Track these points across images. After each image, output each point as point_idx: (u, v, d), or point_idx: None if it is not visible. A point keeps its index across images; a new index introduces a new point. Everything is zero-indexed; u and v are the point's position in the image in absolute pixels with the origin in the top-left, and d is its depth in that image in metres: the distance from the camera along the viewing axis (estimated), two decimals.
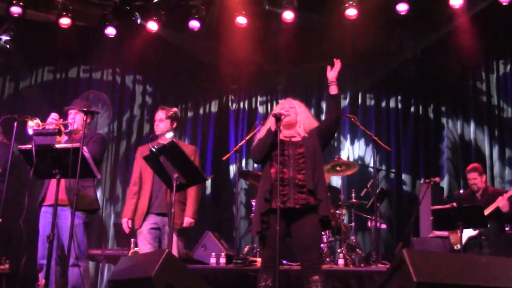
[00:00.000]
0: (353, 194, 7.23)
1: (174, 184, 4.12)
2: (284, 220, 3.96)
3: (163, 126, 4.94)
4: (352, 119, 6.53)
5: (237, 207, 6.34)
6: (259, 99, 9.84)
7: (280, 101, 9.58)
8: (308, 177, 3.94)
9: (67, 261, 4.15)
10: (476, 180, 6.55)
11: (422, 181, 8.36)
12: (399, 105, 9.07)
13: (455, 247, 6.35)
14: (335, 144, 9.07)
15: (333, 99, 4.30)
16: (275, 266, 3.86)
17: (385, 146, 6.53)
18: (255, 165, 9.33)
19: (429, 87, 8.95)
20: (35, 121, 4.58)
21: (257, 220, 4.02)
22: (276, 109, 4.30)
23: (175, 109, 4.75)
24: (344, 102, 9.34)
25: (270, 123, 4.15)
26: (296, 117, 4.22)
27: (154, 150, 4.11)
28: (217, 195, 9.48)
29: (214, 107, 9.94)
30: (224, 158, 6.90)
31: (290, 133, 4.19)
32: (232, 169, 9.42)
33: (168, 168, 4.12)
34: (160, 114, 4.99)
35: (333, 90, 4.29)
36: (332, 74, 4.39)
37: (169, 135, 4.45)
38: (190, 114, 9.92)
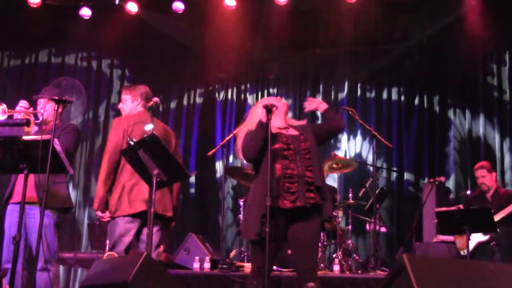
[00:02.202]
0: (350, 194, 7.25)
1: (154, 181, 4.10)
2: (285, 221, 4.00)
3: (128, 108, 4.88)
4: (350, 112, 6.51)
5: (223, 207, 6.34)
6: (248, 89, 9.85)
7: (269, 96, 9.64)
8: (316, 173, 4.01)
9: (35, 265, 4.11)
10: (484, 178, 6.57)
11: (426, 180, 8.38)
12: (402, 97, 9.10)
13: (462, 253, 6.37)
14: (331, 140, 9.09)
15: (330, 110, 4.34)
16: (268, 271, 3.87)
17: (386, 142, 6.54)
18: (244, 161, 9.33)
19: (435, 77, 8.99)
20: (1, 107, 4.53)
21: (256, 221, 3.97)
22: (264, 101, 4.30)
23: (156, 99, 4.71)
24: (342, 94, 9.37)
25: (256, 117, 4.16)
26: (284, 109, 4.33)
27: (132, 143, 4.09)
28: (201, 193, 9.48)
29: (199, 98, 9.93)
30: (210, 153, 6.88)
31: (284, 125, 4.23)
32: (219, 165, 9.43)
33: (148, 163, 4.10)
34: (123, 96, 4.93)
35: (322, 106, 4.34)
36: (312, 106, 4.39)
37: (149, 127, 4.42)
38: (172, 104, 9.91)
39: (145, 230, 4.54)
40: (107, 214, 4.57)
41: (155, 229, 4.46)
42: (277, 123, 4.21)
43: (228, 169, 7.31)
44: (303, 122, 4.37)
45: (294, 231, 4.00)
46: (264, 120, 4.10)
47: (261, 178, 4.08)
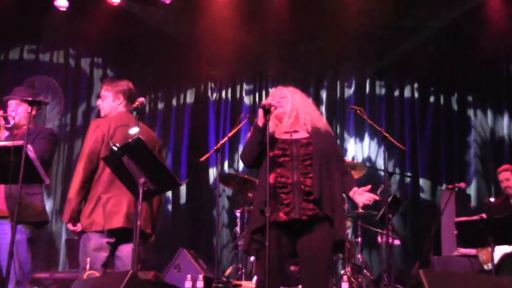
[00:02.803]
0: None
1: (141, 191, 4.07)
2: (288, 235, 3.97)
3: (108, 107, 4.85)
4: (358, 111, 6.47)
5: (218, 219, 6.31)
6: (245, 87, 9.85)
7: (271, 90, 9.63)
8: (316, 182, 3.94)
9: (5, 287, 4.09)
10: (509, 181, 6.54)
11: (444, 187, 8.37)
12: (416, 94, 9.11)
13: (486, 267, 6.35)
14: (338, 141, 9.09)
15: None
16: None
17: (398, 144, 6.48)
18: (240, 167, 9.32)
19: (452, 72, 8.99)
20: None
21: (248, 236, 4.04)
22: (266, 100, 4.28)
23: (141, 99, 4.68)
24: (349, 92, 9.38)
25: (259, 116, 4.14)
26: (290, 107, 4.21)
27: (115, 148, 4.07)
28: (193, 204, 9.47)
29: (190, 97, 9.93)
30: (202, 159, 6.84)
31: (292, 128, 4.19)
32: (212, 172, 9.41)
33: (133, 171, 4.08)
34: (103, 91, 4.88)
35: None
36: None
37: (134, 130, 4.39)
38: (160, 105, 9.90)
39: (122, 247, 4.51)
40: (79, 227, 4.52)
41: (130, 246, 4.40)
42: (282, 125, 4.17)
43: (223, 177, 7.29)
44: (328, 128, 4.29)
45: (300, 247, 4.00)
46: (260, 122, 4.08)
47: (258, 188, 4.13)
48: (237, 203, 7.62)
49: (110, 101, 4.78)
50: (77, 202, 4.48)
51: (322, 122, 4.29)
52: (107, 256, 4.48)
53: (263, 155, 4.02)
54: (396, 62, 9.22)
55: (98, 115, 5.02)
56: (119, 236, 4.46)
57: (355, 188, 4.07)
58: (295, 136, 4.12)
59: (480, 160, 8.67)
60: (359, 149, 9.15)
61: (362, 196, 4.03)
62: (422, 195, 8.78)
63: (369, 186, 4.05)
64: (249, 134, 4.22)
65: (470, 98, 8.94)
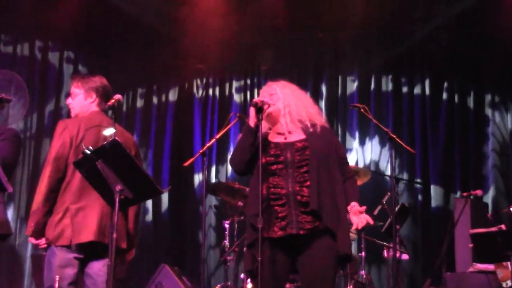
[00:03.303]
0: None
1: (117, 199, 4.04)
2: (284, 252, 3.95)
3: (79, 106, 4.80)
4: (362, 109, 6.46)
5: (204, 232, 6.28)
6: (235, 83, 9.84)
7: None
8: (314, 191, 3.90)
9: None
10: None
11: (458, 194, 8.39)
12: (427, 91, 9.10)
13: (504, 285, 6.36)
14: None
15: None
16: None
17: (407, 147, 6.48)
18: (230, 173, 9.29)
19: (468, 66, 9.00)
20: None
21: (247, 255, 4.02)
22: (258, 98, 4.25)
23: (117, 96, 4.63)
24: (351, 87, 9.37)
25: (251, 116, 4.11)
26: (282, 104, 4.15)
27: (88, 152, 4.03)
28: (176, 214, 9.45)
29: (173, 95, 9.92)
30: (187, 163, 6.78)
31: (286, 129, 4.13)
32: (198, 179, 9.39)
33: (109, 177, 4.05)
34: (73, 88, 4.82)
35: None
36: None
37: (109, 131, 4.36)
38: (139, 103, 9.87)
39: (92, 263, 4.46)
40: (43, 241, 4.47)
41: (101, 263, 4.37)
42: (277, 125, 4.14)
43: (210, 184, 7.28)
44: (325, 125, 4.25)
45: (300, 265, 3.99)
46: (251, 123, 4.04)
47: (249, 199, 4.13)
48: (226, 213, 7.59)
49: (81, 99, 4.75)
50: (43, 214, 4.44)
51: (320, 119, 4.25)
52: (75, 273, 4.43)
53: (256, 160, 4.00)
54: (405, 54, 9.22)
55: (69, 115, 4.99)
56: (89, 251, 4.42)
57: (353, 203, 4.05)
58: (290, 138, 4.08)
59: (500, 164, 8.68)
60: (363, 152, 9.15)
61: (358, 217, 4.02)
62: (433, 203, 8.77)
63: (364, 207, 4.04)
64: (239, 136, 4.20)
65: (488, 95, 8.92)
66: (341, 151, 4.24)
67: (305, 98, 4.36)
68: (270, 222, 3.90)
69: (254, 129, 4.01)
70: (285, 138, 4.08)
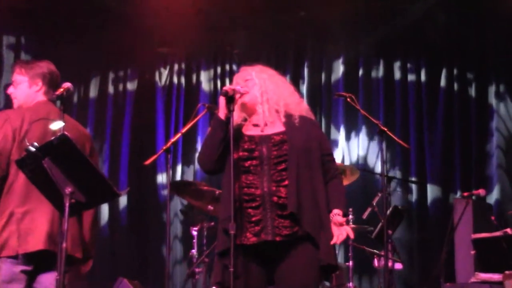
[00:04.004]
0: (350, 216, 7.25)
1: (67, 204, 4.04)
2: (259, 261, 3.96)
3: (23, 96, 4.77)
4: (349, 99, 6.48)
5: (169, 240, 6.26)
6: (203, 70, 9.83)
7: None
8: (292, 191, 3.88)
9: None
10: None
11: (458, 195, 8.44)
12: (422, 78, 9.15)
13: None
14: None
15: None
16: None
17: (400, 141, 6.52)
18: (198, 173, 9.29)
19: (468, 48, 9.06)
20: None
21: (217, 264, 4.00)
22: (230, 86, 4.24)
23: (67, 85, 4.62)
24: (336, 74, 9.40)
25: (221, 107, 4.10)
26: (259, 91, 4.15)
27: (32, 149, 4.03)
28: (137, 221, 9.45)
29: (132, 83, 9.90)
30: (148, 162, 6.77)
31: (263, 119, 4.10)
32: (161, 179, 9.40)
33: (57, 178, 4.05)
34: (15, 76, 4.79)
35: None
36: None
37: (57, 125, 4.35)
38: (92, 93, 9.85)
39: (42, 276, 4.45)
40: None
41: (53, 275, 4.33)
42: (254, 116, 4.14)
43: (175, 185, 7.26)
44: (308, 116, 4.25)
45: (278, 276, 3.98)
46: (221, 114, 4.05)
47: (221, 200, 4.11)
48: (194, 219, 7.59)
49: (25, 88, 4.73)
50: None
51: (302, 108, 4.26)
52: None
53: (227, 156, 3.99)
54: (397, 36, 9.26)
55: (9, 105, 4.96)
56: (38, 262, 4.41)
57: (336, 211, 4.03)
58: (267, 130, 4.07)
59: (505, 160, 8.72)
60: (350, 147, 9.18)
61: (338, 229, 4.00)
62: (430, 205, 8.82)
63: (345, 219, 4.03)
64: (208, 130, 4.20)
65: (493, 84, 8.97)
66: (326, 146, 4.22)
67: (284, 84, 4.34)
68: (243, 227, 3.89)
69: (224, 122, 4.01)
70: (262, 131, 4.07)
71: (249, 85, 4.16)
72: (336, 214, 4.01)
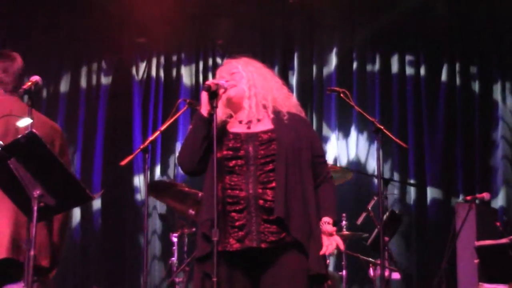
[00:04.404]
0: (343, 222, 7.27)
1: (35, 208, 4.03)
2: (243, 269, 3.95)
3: None
4: (342, 94, 6.49)
5: (147, 247, 6.23)
6: (184, 61, 9.82)
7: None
8: (280, 195, 3.86)
9: None
10: None
11: (460, 198, 8.46)
12: (422, 71, 9.16)
13: None
14: None
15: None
16: None
17: (397, 140, 6.54)
18: (177, 174, 9.27)
19: (472, 38, 9.09)
20: None
21: (197, 272, 3.99)
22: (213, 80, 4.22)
23: (35, 78, 4.62)
24: (329, 67, 9.39)
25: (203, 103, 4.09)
26: (247, 84, 4.13)
27: None
28: (111, 226, 9.44)
29: (106, 76, 9.88)
30: (124, 162, 6.77)
31: (250, 116, 4.10)
32: (139, 181, 9.39)
33: (24, 179, 4.04)
34: None
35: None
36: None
37: (24, 122, 4.34)
38: (63, 87, 9.83)
39: None
40: None
41: (16, 287, 4.33)
42: (240, 111, 4.13)
43: (154, 187, 7.25)
44: (300, 112, 4.27)
45: (264, 286, 3.96)
46: (204, 111, 4.04)
47: (202, 203, 4.11)
48: (174, 224, 7.59)
49: None
50: None
51: (291, 103, 4.25)
52: None
53: (210, 157, 3.99)
54: (394, 26, 9.26)
55: None
56: (1, 272, 4.40)
57: (325, 219, 4.02)
58: (255, 128, 4.06)
59: (510, 163, 8.77)
60: (343, 147, 9.19)
61: (327, 238, 4.00)
62: (430, 210, 8.83)
63: (334, 228, 4.02)
64: (189, 128, 4.18)
65: (496, 74, 8.99)
66: (317, 146, 4.22)
67: (272, 78, 4.33)
68: (225, 232, 3.89)
69: (207, 119, 3.99)
70: (249, 128, 4.07)
71: (236, 78, 4.15)
72: (326, 223, 4.01)
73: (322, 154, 4.28)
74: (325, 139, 9.19)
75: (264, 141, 3.99)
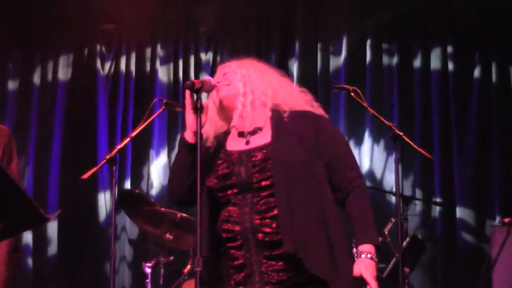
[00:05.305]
0: (354, 249, 7.25)
1: None
2: None
3: None
4: (352, 93, 6.53)
5: (113, 278, 6.23)
6: (160, 52, 9.85)
7: (204, 57, 9.60)
8: (286, 225, 3.76)
9: None
10: None
11: (497, 221, 8.47)
12: (450, 65, 9.18)
13: None
14: None
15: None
16: None
17: (420, 149, 6.57)
18: (154, 190, 9.28)
19: (510, 27, 9.12)
20: None
21: None
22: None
23: None
24: (336, 60, 9.38)
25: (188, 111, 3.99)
26: (242, 82, 4.06)
27: None
28: (71, 253, 9.43)
29: (65, 70, 9.91)
30: (86, 175, 6.79)
31: (251, 125, 4.04)
32: (104, 199, 9.40)
33: None
34: None
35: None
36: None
37: None
38: (13, 83, 9.88)
39: None
40: None
41: None
42: (237, 122, 4.05)
43: (122, 196, 7.25)
44: (309, 109, 4.13)
45: None
46: (188, 133, 3.95)
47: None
48: (147, 251, 7.59)
49: None
50: None
51: (295, 100, 4.15)
52: None
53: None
54: (416, 11, 9.30)
55: None
56: None
57: (364, 247, 3.89)
58: (254, 142, 4.01)
59: None
60: (358, 156, 9.17)
61: (361, 264, 3.86)
62: (460, 234, 8.84)
63: (375, 266, 3.90)
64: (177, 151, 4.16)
65: None
66: (332, 148, 4.03)
67: (272, 72, 4.31)
68: (226, 274, 3.92)
69: (190, 145, 3.92)
70: (247, 143, 4.03)
71: (229, 78, 4.11)
72: (366, 254, 3.88)
73: (340, 158, 4.04)
74: None
75: (257, 162, 3.92)
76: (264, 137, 3.99)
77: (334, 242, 3.83)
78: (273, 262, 3.82)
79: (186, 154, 3.97)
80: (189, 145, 3.94)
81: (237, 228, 3.86)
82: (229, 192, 3.93)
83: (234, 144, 4.05)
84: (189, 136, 3.96)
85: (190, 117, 3.93)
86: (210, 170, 3.96)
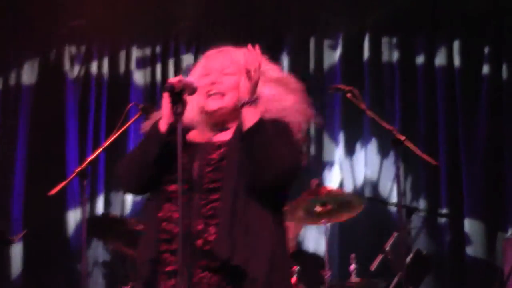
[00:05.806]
0: (352, 265, 7.29)
1: None
2: None
3: None
4: (349, 94, 6.56)
5: None
6: (135, 52, 9.86)
7: (184, 58, 9.62)
8: (224, 232, 3.70)
9: None
10: None
11: (509, 233, 8.49)
12: (456, 61, 9.20)
13: None
14: (312, 150, 9.11)
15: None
16: None
17: (424, 156, 6.61)
18: (127, 207, 9.27)
19: None
20: None
21: None
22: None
23: None
24: (332, 56, 9.39)
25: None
26: (233, 93, 3.93)
27: None
28: (36, 277, 9.42)
29: (30, 73, 9.90)
30: (54, 191, 6.83)
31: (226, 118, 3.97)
32: (74, 218, 9.40)
33: None
34: None
35: (248, 118, 3.80)
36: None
37: None
38: None
39: None
40: None
41: None
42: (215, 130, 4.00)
43: (93, 222, 7.25)
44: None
45: None
46: (163, 123, 3.88)
47: (141, 240, 4.01)
48: (124, 275, 7.60)
49: None
50: None
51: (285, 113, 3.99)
52: None
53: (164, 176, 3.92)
54: (420, 2, 9.34)
55: None
56: None
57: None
58: (218, 136, 3.96)
59: None
60: (351, 165, 9.22)
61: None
62: (469, 249, 8.87)
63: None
64: (142, 139, 4.08)
65: None
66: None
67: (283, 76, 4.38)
68: (159, 278, 3.86)
69: (164, 136, 3.85)
70: (210, 137, 3.97)
71: (226, 84, 3.98)
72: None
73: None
74: (327, 156, 9.20)
75: (213, 160, 3.86)
76: (227, 133, 3.91)
77: (275, 255, 3.75)
78: (209, 274, 3.76)
79: (153, 145, 3.86)
80: (161, 136, 3.84)
81: (176, 230, 3.71)
82: (175, 187, 3.80)
83: (198, 135, 3.99)
84: (163, 125, 3.85)
85: (166, 108, 3.83)
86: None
